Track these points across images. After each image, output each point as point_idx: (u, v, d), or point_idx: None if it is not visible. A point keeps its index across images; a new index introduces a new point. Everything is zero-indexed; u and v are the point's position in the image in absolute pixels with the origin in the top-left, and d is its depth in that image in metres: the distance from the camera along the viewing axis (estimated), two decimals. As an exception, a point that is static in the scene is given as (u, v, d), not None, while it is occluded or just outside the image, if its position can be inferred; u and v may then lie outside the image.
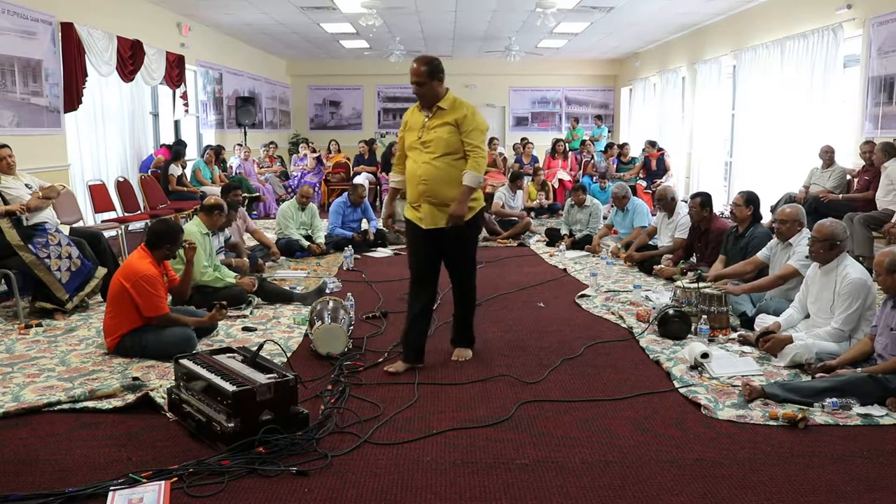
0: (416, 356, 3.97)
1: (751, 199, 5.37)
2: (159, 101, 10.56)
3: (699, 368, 3.86)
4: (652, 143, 12.35)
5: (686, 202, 6.53)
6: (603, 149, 12.95)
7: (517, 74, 16.45)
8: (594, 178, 11.79)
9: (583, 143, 13.61)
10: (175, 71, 10.00)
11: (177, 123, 11.15)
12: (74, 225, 6.35)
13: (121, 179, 8.41)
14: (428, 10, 10.61)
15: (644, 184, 11.59)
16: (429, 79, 3.78)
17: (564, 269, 6.90)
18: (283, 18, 11.16)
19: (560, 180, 11.66)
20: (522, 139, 14.41)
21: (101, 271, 5.32)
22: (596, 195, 9.65)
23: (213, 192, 8.81)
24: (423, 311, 4.02)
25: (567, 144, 12.77)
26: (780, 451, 2.94)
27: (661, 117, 13.65)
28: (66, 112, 7.54)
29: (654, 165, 11.93)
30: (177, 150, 9.62)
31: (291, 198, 8.39)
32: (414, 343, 3.98)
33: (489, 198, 9.13)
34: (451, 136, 3.75)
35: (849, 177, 7.22)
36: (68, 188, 6.62)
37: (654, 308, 4.96)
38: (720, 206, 9.97)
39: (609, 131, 16.90)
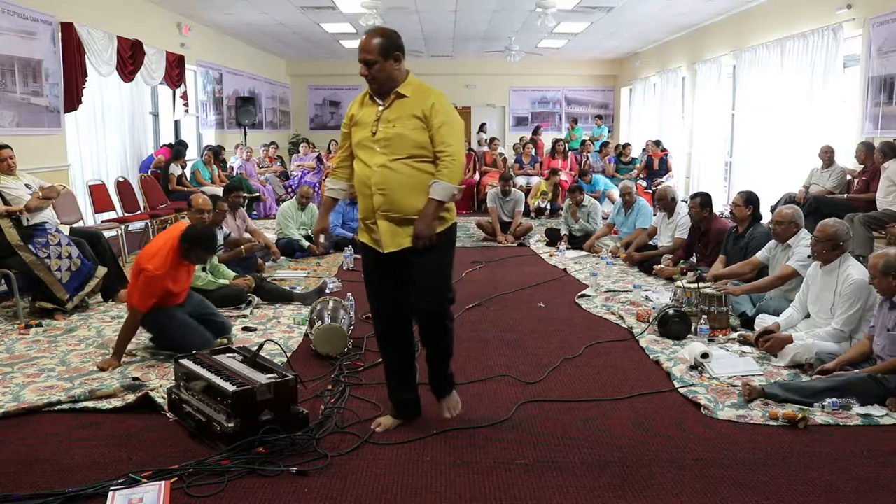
0: (407, 411, 3.20)
1: (750, 199, 5.38)
2: (159, 101, 10.56)
3: (699, 368, 3.86)
4: (656, 143, 12.37)
5: (686, 202, 6.52)
6: (598, 148, 12.94)
7: (517, 74, 16.45)
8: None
9: (583, 143, 13.61)
10: (175, 71, 10.00)
11: (177, 123, 11.16)
12: (74, 225, 6.35)
13: (121, 179, 8.41)
14: (428, 10, 10.61)
15: (644, 184, 11.61)
16: (382, 56, 2.89)
17: (564, 269, 6.90)
18: (283, 18, 11.16)
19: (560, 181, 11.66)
20: (535, 131, 14.37)
21: (101, 271, 5.32)
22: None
23: (214, 192, 8.81)
24: (404, 363, 3.20)
25: (567, 144, 12.77)
26: (780, 451, 2.94)
27: (661, 117, 13.65)
28: (66, 112, 7.54)
29: (657, 165, 11.95)
30: (177, 150, 9.62)
31: (291, 198, 8.38)
32: (402, 399, 3.20)
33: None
34: (416, 132, 2.89)
35: (849, 177, 7.22)
36: (68, 188, 6.62)
37: (654, 308, 4.96)
38: (720, 206, 9.97)
39: (609, 131, 16.91)
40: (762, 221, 5.61)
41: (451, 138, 2.91)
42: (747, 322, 4.64)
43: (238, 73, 13.28)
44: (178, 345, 3.92)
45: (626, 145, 12.92)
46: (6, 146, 5.31)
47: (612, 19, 11.19)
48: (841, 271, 3.99)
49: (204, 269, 5.14)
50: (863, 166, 6.82)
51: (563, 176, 11.75)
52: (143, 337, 4.52)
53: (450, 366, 3.24)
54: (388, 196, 2.91)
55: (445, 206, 2.96)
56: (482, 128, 15.70)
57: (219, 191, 8.90)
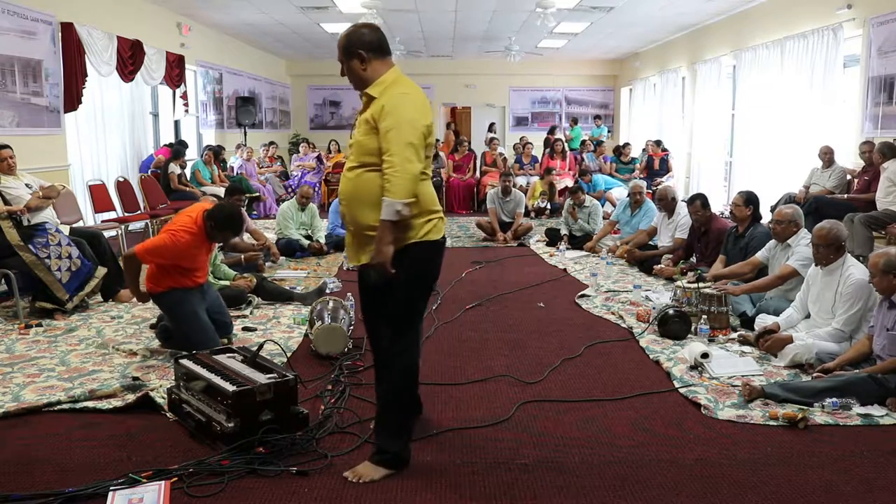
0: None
1: (750, 199, 5.38)
2: (159, 101, 10.56)
3: (699, 368, 3.86)
4: (657, 143, 12.38)
5: (685, 202, 6.52)
6: (593, 148, 12.91)
7: (517, 74, 16.44)
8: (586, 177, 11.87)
9: (583, 143, 13.61)
10: (175, 71, 10.00)
11: (177, 123, 11.16)
12: (74, 225, 6.36)
13: (121, 179, 8.41)
14: (428, 10, 10.61)
15: (644, 183, 11.58)
16: (346, 57, 2.75)
17: (564, 269, 6.90)
18: (283, 18, 11.16)
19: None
20: (551, 130, 14.31)
21: (101, 271, 5.32)
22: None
23: (214, 192, 8.82)
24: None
25: (566, 144, 12.77)
26: (780, 451, 2.94)
27: (661, 117, 13.65)
28: (66, 112, 7.54)
29: (657, 165, 11.95)
30: (176, 150, 9.62)
31: (291, 198, 8.39)
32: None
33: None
34: (367, 137, 2.65)
35: (849, 177, 7.22)
36: (68, 188, 6.62)
37: (654, 308, 4.96)
38: (720, 206, 9.98)
39: (609, 132, 16.91)
40: (762, 221, 5.62)
41: (395, 146, 2.53)
42: (747, 322, 4.64)
43: (238, 73, 13.28)
44: (183, 333, 3.93)
45: (626, 145, 12.92)
46: (6, 146, 5.32)
47: (612, 19, 11.19)
48: (842, 271, 3.99)
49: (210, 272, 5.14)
50: (863, 165, 6.82)
51: (568, 182, 11.74)
52: (144, 336, 4.53)
53: (391, 425, 2.71)
54: (347, 207, 2.75)
55: (407, 224, 2.60)
56: (491, 127, 15.68)
57: (219, 191, 8.92)
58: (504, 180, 8.91)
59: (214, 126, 12.31)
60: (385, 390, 2.77)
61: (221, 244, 5.42)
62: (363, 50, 2.71)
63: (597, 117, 16.40)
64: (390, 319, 2.76)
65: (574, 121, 15.86)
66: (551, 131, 14.44)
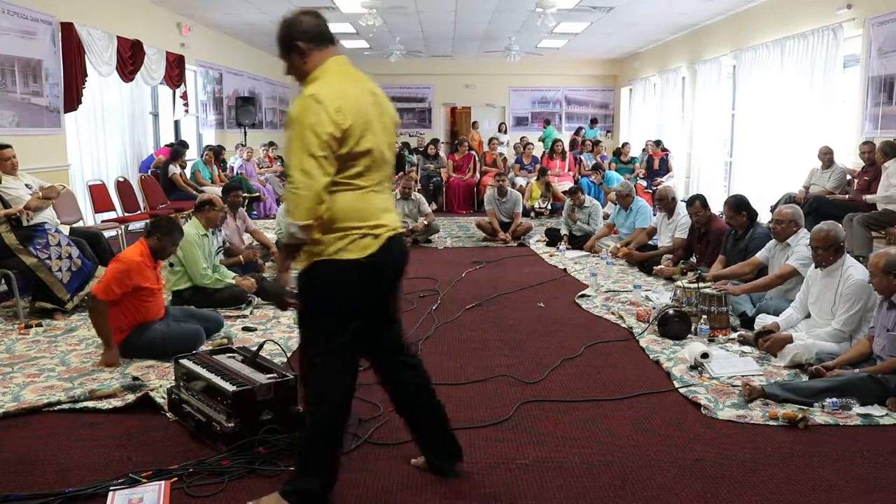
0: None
1: (740, 205, 5.36)
2: (159, 101, 10.56)
3: (699, 368, 3.86)
4: (657, 143, 12.38)
5: (685, 202, 6.52)
6: (591, 148, 12.88)
7: (517, 74, 16.44)
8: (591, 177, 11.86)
9: (582, 143, 13.60)
10: (175, 71, 10.00)
11: (177, 123, 11.16)
12: (74, 225, 6.35)
13: (121, 179, 8.41)
14: (428, 10, 10.61)
15: (644, 183, 11.61)
16: (284, 51, 2.50)
17: (564, 269, 6.90)
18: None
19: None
20: (576, 132, 14.30)
21: (101, 271, 5.30)
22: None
23: (214, 192, 8.81)
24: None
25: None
26: (780, 451, 2.94)
27: (661, 117, 13.65)
28: (66, 112, 7.54)
29: (657, 165, 11.95)
30: (175, 150, 9.62)
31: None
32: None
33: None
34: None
35: (849, 177, 7.22)
36: (68, 188, 6.62)
37: (654, 308, 4.96)
38: (720, 206, 9.97)
39: (609, 132, 16.92)
40: (763, 221, 5.61)
41: (293, 158, 2.25)
42: (747, 322, 4.64)
43: (238, 73, 13.28)
44: (173, 352, 3.93)
45: (625, 145, 12.91)
46: (8, 146, 5.32)
47: (612, 19, 11.19)
48: (842, 272, 4.00)
49: (210, 270, 5.15)
50: (863, 165, 6.82)
51: (568, 185, 11.75)
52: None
53: (306, 457, 2.42)
54: (281, 218, 2.49)
55: (316, 239, 2.32)
56: (500, 127, 15.66)
57: (218, 190, 8.91)
58: (499, 180, 8.91)
59: (214, 126, 12.31)
60: (309, 420, 2.43)
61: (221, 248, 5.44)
62: (301, 41, 2.42)
63: (593, 120, 16.40)
64: (305, 344, 2.44)
65: (546, 122, 15.85)
66: (577, 132, 14.43)
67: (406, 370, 2.64)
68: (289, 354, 4.07)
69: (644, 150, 12.73)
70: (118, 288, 3.92)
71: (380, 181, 2.44)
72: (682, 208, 6.59)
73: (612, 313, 5.17)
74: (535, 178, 11.23)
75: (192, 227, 5.17)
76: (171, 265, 5.01)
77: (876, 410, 3.29)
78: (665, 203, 6.70)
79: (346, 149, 2.30)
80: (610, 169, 12.23)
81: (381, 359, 2.64)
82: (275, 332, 4.65)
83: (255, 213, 10.72)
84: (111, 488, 2.55)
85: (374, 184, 2.41)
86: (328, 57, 2.43)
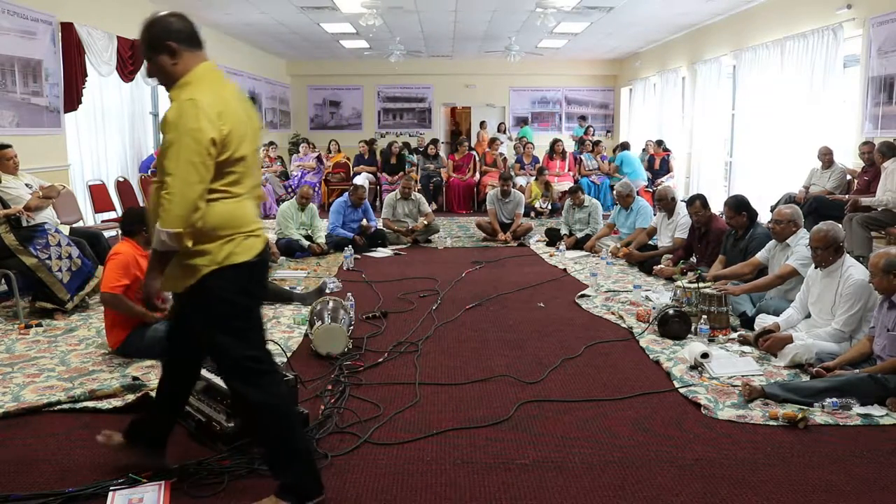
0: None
1: (740, 205, 5.36)
2: (159, 101, 10.55)
3: (699, 368, 3.86)
4: (658, 143, 12.37)
5: (685, 202, 6.52)
6: (591, 148, 12.83)
7: (517, 74, 16.43)
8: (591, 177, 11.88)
9: (582, 142, 13.60)
10: (175, 71, 9.98)
11: (177, 123, 11.14)
12: (74, 225, 6.36)
13: (121, 179, 8.41)
14: (428, 10, 10.60)
15: (645, 183, 11.61)
16: (152, 52, 2.35)
17: (564, 269, 6.90)
18: (283, 18, 11.15)
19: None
20: (586, 131, 14.29)
21: (101, 271, 5.31)
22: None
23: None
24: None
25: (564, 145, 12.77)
26: (780, 451, 2.94)
27: (661, 117, 13.64)
28: (66, 112, 7.53)
29: (658, 165, 11.94)
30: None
31: (291, 198, 8.39)
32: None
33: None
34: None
35: (849, 177, 7.22)
36: (68, 188, 6.62)
37: (654, 308, 4.96)
38: (720, 206, 9.97)
39: (609, 132, 16.91)
40: (763, 221, 5.61)
41: (170, 163, 2.19)
42: (747, 322, 4.65)
43: (238, 73, 13.27)
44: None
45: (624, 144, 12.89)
46: (9, 146, 5.32)
47: (612, 19, 11.18)
48: (842, 272, 4.00)
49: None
50: (863, 166, 6.82)
51: (567, 185, 11.75)
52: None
53: (276, 458, 2.43)
54: (152, 219, 2.34)
55: (199, 250, 2.28)
56: (500, 127, 15.59)
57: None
58: (503, 184, 8.92)
59: (214, 126, 12.28)
60: (260, 422, 2.44)
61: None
62: (174, 41, 2.32)
63: (580, 118, 16.41)
64: (220, 354, 2.40)
65: (524, 122, 15.80)
66: (587, 131, 14.42)
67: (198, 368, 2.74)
68: (289, 354, 4.08)
69: (644, 149, 12.72)
70: (124, 277, 3.95)
71: (251, 187, 2.43)
72: (682, 208, 6.59)
73: (612, 313, 5.17)
74: (534, 178, 11.24)
75: None
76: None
77: (876, 410, 3.29)
78: (665, 203, 6.71)
79: (225, 155, 2.27)
80: (609, 169, 12.24)
81: (196, 354, 2.64)
82: (275, 332, 4.65)
83: (255, 213, 10.70)
84: (111, 488, 2.55)
85: (247, 191, 2.40)
86: (199, 60, 2.38)
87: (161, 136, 2.30)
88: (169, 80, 2.35)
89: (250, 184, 2.41)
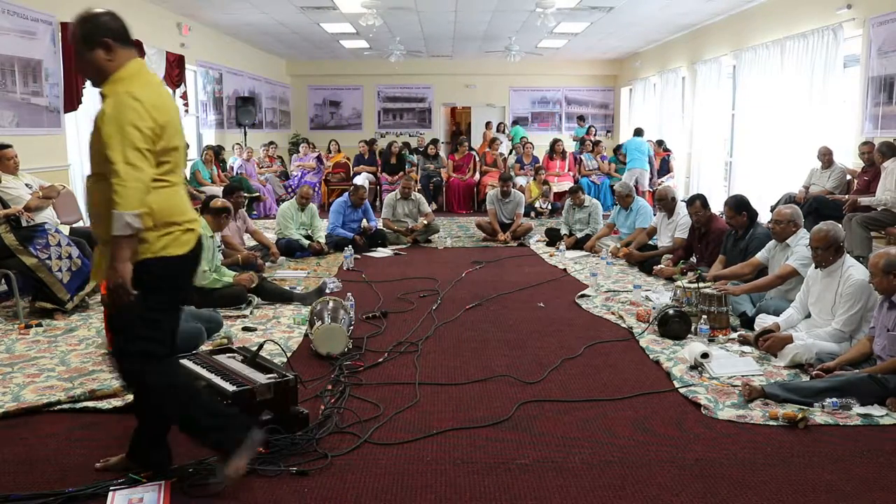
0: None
1: (740, 205, 5.36)
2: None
3: (699, 368, 3.86)
4: (659, 143, 12.36)
5: (685, 202, 6.53)
6: (591, 148, 12.82)
7: (517, 74, 16.43)
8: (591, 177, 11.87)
9: (582, 142, 13.59)
10: (175, 71, 9.99)
11: (177, 123, 11.14)
12: (74, 225, 6.35)
13: (121, 179, 8.39)
14: (428, 10, 10.60)
15: (647, 171, 11.60)
16: (87, 47, 2.41)
17: (564, 269, 6.90)
18: (283, 18, 11.16)
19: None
20: (587, 131, 14.29)
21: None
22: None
23: (214, 192, 8.81)
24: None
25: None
26: (780, 451, 2.94)
27: (661, 117, 13.64)
28: (66, 112, 7.53)
29: (658, 165, 11.94)
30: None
31: (291, 198, 8.39)
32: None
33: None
34: (99, 144, 2.36)
35: (849, 177, 7.22)
36: (68, 188, 6.62)
37: (654, 308, 4.96)
38: (720, 206, 9.97)
39: (609, 132, 16.90)
40: (763, 221, 5.61)
41: (116, 152, 2.29)
42: (747, 322, 4.64)
43: (238, 73, 13.28)
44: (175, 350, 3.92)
45: (621, 146, 12.89)
46: (9, 146, 5.32)
47: (612, 19, 11.18)
48: (842, 272, 4.00)
49: (211, 270, 5.15)
50: (863, 166, 6.82)
51: (567, 185, 11.74)
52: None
53: (203, 432, 2.58)
54: (90, 219, 2.52)
55: (141, 237, 2.37)
56: (499, 127, 15.58)
57: (218, 191, 8.90)
58: (503, 185, 8.91)
59: (214, 126, 12.30)
60: (153, 410, 2.59)
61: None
62: (109, 37, 2.40)
63: (580, 118, 16.40)
64: (132, 340, 2.48)
65: (514, 122, 15.80)
66: (588, 131, 14.37)
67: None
68: (289, 354, 4.08)
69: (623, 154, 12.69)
70: None
71: (181, 177, 2.61)
72: (682, 208, 6.59)
73: (612, 313, 5.17)
74: (533, 177, 11.24)
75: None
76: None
77: (876, 410, 3.29)
78: (665, 203, 6.71)
79: (161, 144, 2.41)
80: (609, 169, 12.25)
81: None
82: (275, 332, 4.65)
83: (255, 213, 10.72)
84: (111, 488, 2.55)
85: (180, 180, 2.58)
86: (131, 57, 2.48)
87: (95, 130, 2.37)
88: (102, 75, 2.44)
89: (180, 173, 2.59)
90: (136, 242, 2.36)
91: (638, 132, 11.96)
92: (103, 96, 2.41)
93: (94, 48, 2.40)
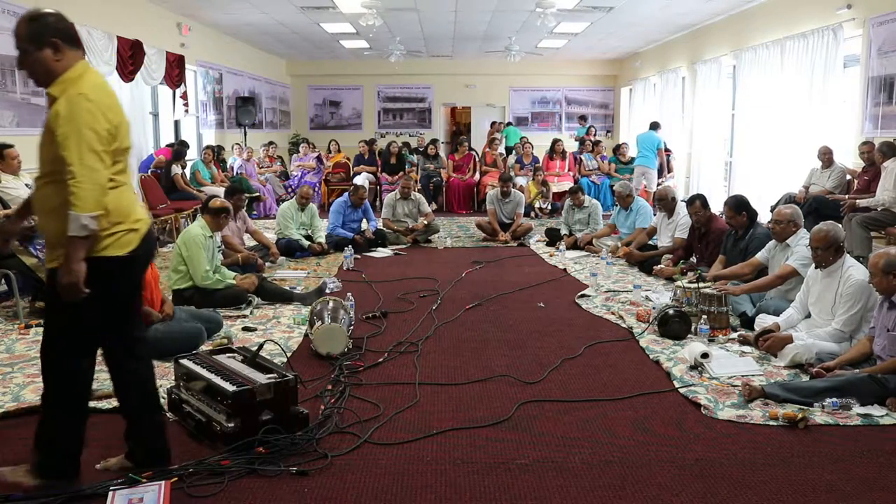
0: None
1: (740, 205, 5.36)
2: (159, 101, 10.56)
3: (699, 368, 3.86)
4: None
5: (685, 202, 6.53)
6: (591, 148, 12.80)
7: (517, 74, 16.43)
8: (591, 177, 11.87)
9: (582, 142, 13.59)
10: (175, 71, 9.99)
11: (177, 123, 11.15)
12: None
13: (121, 179, 8.40)
14: (428, 10, 10.60)
15: (631, 184, 11.56)
16: (35, 46, 2.40)
17: (564, 269, 6.90)
18: (283, 18, 11.16)
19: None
20: (587, 130, 14.20)
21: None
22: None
23: (214, 192, 8.81)
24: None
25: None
26: (780, 451, 2.94)
27: (661, 117, 13.62)
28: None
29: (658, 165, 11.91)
30: (177, 151, 9.62)
31: (291, 198, 8.39)
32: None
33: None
34: (50, 144, 2.36)
35: (849, 177, 7.22)
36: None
37: (654, 308, 4.96)
38: (720, 206, 9.96)
39: (609, 132, 16.90)
40: (762, 222, 5.61)
41: (72, 154, 2.30)
42: (747, 322, 4.64)
43: (238, 73, 13.28)
44: (174, 351, 3.91)
45: (622, 144, 12.88)
46: (11, 146, 5.32)
47: (612, 19, 11.18)
48: (842, 272, 4.00)
49: (212, 271, 5.15)
50: (863, 166, 6.82)
51: (567, 185, 11.71)
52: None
53: (46, 441, 2.58)
54: (38, 220, 2.54)
55: (98, 237, 2.39)
56: (493, 126, 15.53)
57: (219, 191, 8.90)
58: (503, 185, 8.91)
59: (214, 126, 12.30)
60: (51, 405, 2.57)
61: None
62: (58, 38, 2.40)
63: (581, 118, 16.38)
64: (55, 332, 2.52)
65: (508, 123, 15.80)
66: (588, 131, 14.32)
67: (134, 360, 2.72)
68: (289, 354, 4.08)
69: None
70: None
71: (129, 177, 2.63)
72: (682, 208, 6.59)
73: (612, 313, 5.17)
74: (531, 178, 11.24)
75: (198, 228, 5.14)
76: (177, 266, 5.03)
77: (876, 410, 3.29)
78: (665, 203, 6.71)
79: (115, 145, 2.44)
80: (609, 169, 12.24)
81: (117, 347, 2.69)
82: (275, 332, 4.66)
83: (255, 213, 10.72)
84: (111, 488, 2.55)
85: (129, 180, 2.62)
86: (79, 59, 2.48)
87: (49, 130, 2.36)
88: (49, 75, 2.43)
89: (128, 173, 2.61)
90: (91, 243, 2.37)
91: (653, 126, 11.63)
92: (52, 97, 2.41)
93: (42, 48, 2.39)
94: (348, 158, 13.13)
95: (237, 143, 12.06)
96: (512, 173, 10.47)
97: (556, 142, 12.30)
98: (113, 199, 2.44)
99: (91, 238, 2.36)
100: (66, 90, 2.38)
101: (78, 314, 2.46)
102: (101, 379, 3.72)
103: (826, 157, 7.34)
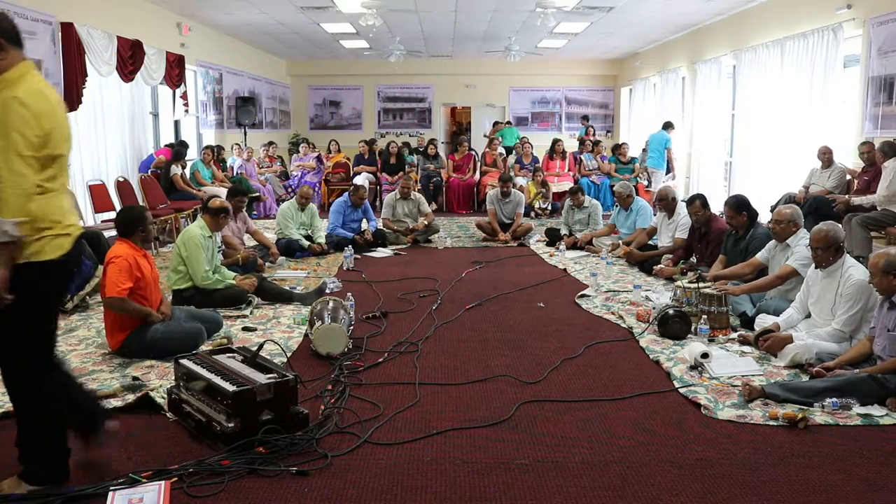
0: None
1: (740, 205, 5.36)
2: (159, 101, 10.56)
3: (699, 368, 3.86)
4: None
5: (685, 202, 6.53)
6: (591, 148, 12.78)
7: (517, 74, 16.43)
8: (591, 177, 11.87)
9: (582, 142, 13.59)
10: (175, 71, 9.99)
11: (177, 123, 11.15)
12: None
13: (121, 179, 8.41)
14: (428, 10, 10.60)
15: (646, 183, 11.59)
16: None
17: (564, 269, 6.90)
18: (283, 18, 11.16)
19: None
20: (585, 131, 14.16)
21: (101, 271, 5.31)
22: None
23: (214, 192, 8.81)
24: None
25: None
26: (780, 451, 2.94)
27: (661, 117, 13.62)
28: (66, 112, 7.53)
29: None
30: (177, 151, 9.63)
31: (291, 198, 8.39)
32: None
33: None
34: None
35: (849, 177, 7.22)
36: (68, 188, 6.61)
37: (654, 308, 4.96)
38: (720, 206, 9.96)
39: (609, 132, 16.90)
40: (763, 221, 5.61)
41: (2, 158, 2.29)
42: (747, 322, 4.64)
43: (238, 73, 13.28)
44: (174, 352, 3.91)
45: (622, 144, 12.87)
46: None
47: (612, 19, 11.18)
48: (842, 272, 4.00)
49: (212, 271, 5.15)
50: (863, 166, 6.82)
51: (567, 185, 11.71)
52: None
53: (31, 449, 2.54)
54: None
55: (19, 242, 2.35)
56: (495, 125, 15.51)
57: (219, 191, 8.91)
58: (503, 185, 8.91)
59: (214, 126, 12.30)
60: (23, 420, 2.55)
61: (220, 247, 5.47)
62: (3, 37, 2.40)
63: (584, 118, 16.37)
64: (8, 348, 2.47)
65: (507, 123, 15.80)
66: (587, 132, 14.27)
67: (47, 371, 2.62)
68: (289, 354, 4.08)
69: (644, 149, 12.69)
70: (128, 280, 3.95)
71: (63, 183, 2.57)
72: (682, 208, 6.59)
73: (612, 313, 5.17)
74: (531, 178, 11.24)
75: (197, 228, 5.14)
76: (177, 266, 5.03)
77: (876, 410, 3.29)
78: (665, 203, 6.71)
79: (45, 151, 2.39)
80: (609, 169, 12.24)
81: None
82: (275, 332, 4.66)
83: (255, 213, 10.72)
84: (111, 488, 2.55)
85: (61, 186, 2.53)
86: (21, 59, 2.46)
87: None
88: None
89: (63, 180, 2.56)
90: (15, 249, 2.34)
91: (666, 125, 11.59)
92: None
93: None
94: (348, 158, 13.13)
95: (237, 143, 12.06)
96: (512, 173, 10.47)
97: (556, 142, 12.30)
98: (41, 205, 2.39)
99: (15, 244, 2.32)
100: (1, 91, 2.35)
101: (28, 328, 2.44)
102: (101, 379, 3.73)
103: (826, 157, 7.34)
